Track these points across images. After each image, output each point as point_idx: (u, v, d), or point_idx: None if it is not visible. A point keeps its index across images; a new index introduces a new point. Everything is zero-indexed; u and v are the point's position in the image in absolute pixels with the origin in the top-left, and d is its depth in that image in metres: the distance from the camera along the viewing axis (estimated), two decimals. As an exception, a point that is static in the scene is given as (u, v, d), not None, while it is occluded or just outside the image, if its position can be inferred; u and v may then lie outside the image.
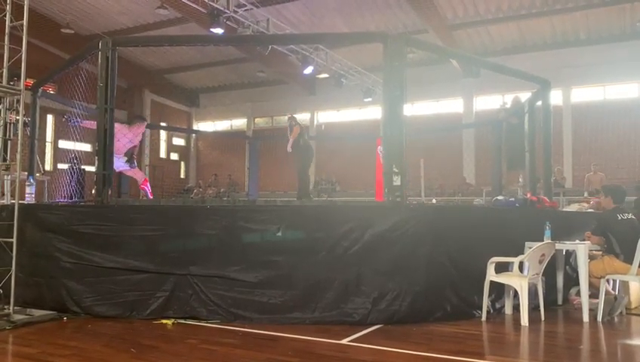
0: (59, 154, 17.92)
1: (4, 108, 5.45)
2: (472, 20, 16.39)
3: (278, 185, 19.25)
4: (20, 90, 5.27)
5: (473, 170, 17.64)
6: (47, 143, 18.53)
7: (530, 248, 5.41)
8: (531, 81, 7.68)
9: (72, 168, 8.72)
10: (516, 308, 5.33)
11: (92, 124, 6.71)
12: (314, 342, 4.34)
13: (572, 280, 6.26)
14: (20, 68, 5.13)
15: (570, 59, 16.89)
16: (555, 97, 14.37)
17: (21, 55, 5.10)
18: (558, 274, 6.20)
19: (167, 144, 24.44)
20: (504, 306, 5.60)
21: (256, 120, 23.94)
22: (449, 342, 4.44)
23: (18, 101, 5.40)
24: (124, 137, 8.32)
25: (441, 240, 5.23)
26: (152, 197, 9.32)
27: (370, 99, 18.66)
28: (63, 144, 17.51)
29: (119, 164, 8.51)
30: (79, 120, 7.54)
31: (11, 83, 5.40)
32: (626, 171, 15.86)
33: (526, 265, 5.29)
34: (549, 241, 5.58)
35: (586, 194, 12.92)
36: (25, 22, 5.16)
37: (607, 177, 13.65)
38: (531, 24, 16.49)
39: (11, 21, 5.17)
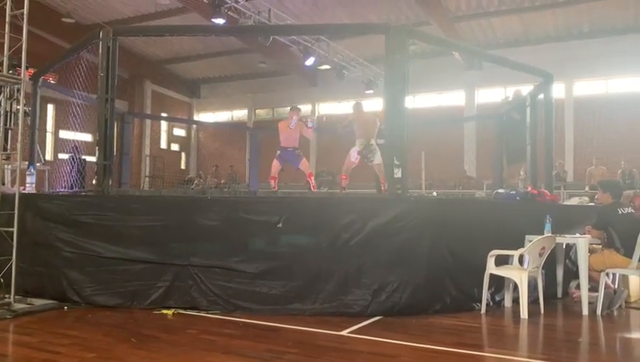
0: (59, 144, 17.88)
1: (5, 97, 5.43)
2: (475, 12, 16.28)
3: (279, 176, 19.20)
4: (20, 80, 5.25)
5: (474, 163, 17.59)
6: (47, 133, 18.49)
7: (531, 241, 5.41)
8: (534, 74, 7.65)
9: (73, 158, 8.72)
10: (516, 300, 5.34)
11: None
12: (314, 333, 4.36)
13: (572, 274, 6.26)
14: (20, 57, 5.12)
15: (573, 53, 16.78)
16: (558, 90, 14.27)
17: (21, 44, 5.09)
18: (558, 267, 6.20)
19: (167, 135, 24.37)
20: (504, 299, 5.62)
21: (257, 111, 23.86)
22: (448, 334, 4.46)
23: (19, 90, 5.38)
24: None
25: (441, 232, 5.23)
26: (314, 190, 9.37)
27: (371, 91, 18.58)
28: (64, 134, 17.47)
29: (292, 157, 8.83)
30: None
31: (10, 72, 5.39)
32: (633, 165, 15.75)
33: (526, 258, 5.29)
34: (550, 235, 5.59)
35: (587, 188, 12.90)
36: (25, 10, 5.14)
37: (609, 171, 13.61)
38: (534, 17, 16.37)
39: (12, 10, 5.15)
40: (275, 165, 9.23)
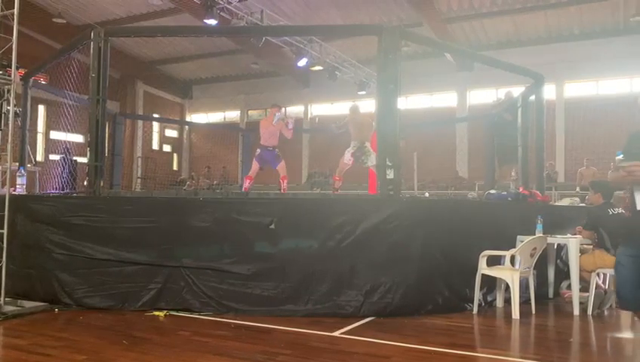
0: (50, 145, 17.77)
1: (-5, 98, 5.40)
2: (467, 14, 16.37)
3: (272, 178, 19.18)
4: (11, 80, 5.22)
5: (466, 164, 17.69)
6: (38, 134, 18.37)
7: (522, 242, 5.44)
8: (525, 76, 7.69)
9: (64, 159, 8.68)
10: (507, 301, 5.36)
11: None
12: (306, 334, 4.35)
13: (563, 274, 6.30)
14: (11, 57, 5.08)
15: (564, 54, 16.91)
16: (549, 92, 14.38)
17: (12, 44, 5.05)
18: (550, 267, 6.23)
19: (159, 135, 24.31)
20: (495, 299, 5.64)
21: (249, 112, 23.84)
22: (440, 334, 4.47)
23: (9, 91, 5.34)
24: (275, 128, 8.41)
25: (433, 233, 5.25)
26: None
27: (364, 93, 18.61)
28: (55, 135, 17.37)
29: (272, 157, 8.47)
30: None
31: (1, 72, 5.35)
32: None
33: (518, 258, 5.31)
34: (541, 235, 5.62)
35: (578, 189, 12.98)
36: (15, 11, 5.10)
37: (599, 172, 13.71)
38: (526, 18, 16.49)
39: (2, 10, 5.11)
40: (255, 166, 9.00)
